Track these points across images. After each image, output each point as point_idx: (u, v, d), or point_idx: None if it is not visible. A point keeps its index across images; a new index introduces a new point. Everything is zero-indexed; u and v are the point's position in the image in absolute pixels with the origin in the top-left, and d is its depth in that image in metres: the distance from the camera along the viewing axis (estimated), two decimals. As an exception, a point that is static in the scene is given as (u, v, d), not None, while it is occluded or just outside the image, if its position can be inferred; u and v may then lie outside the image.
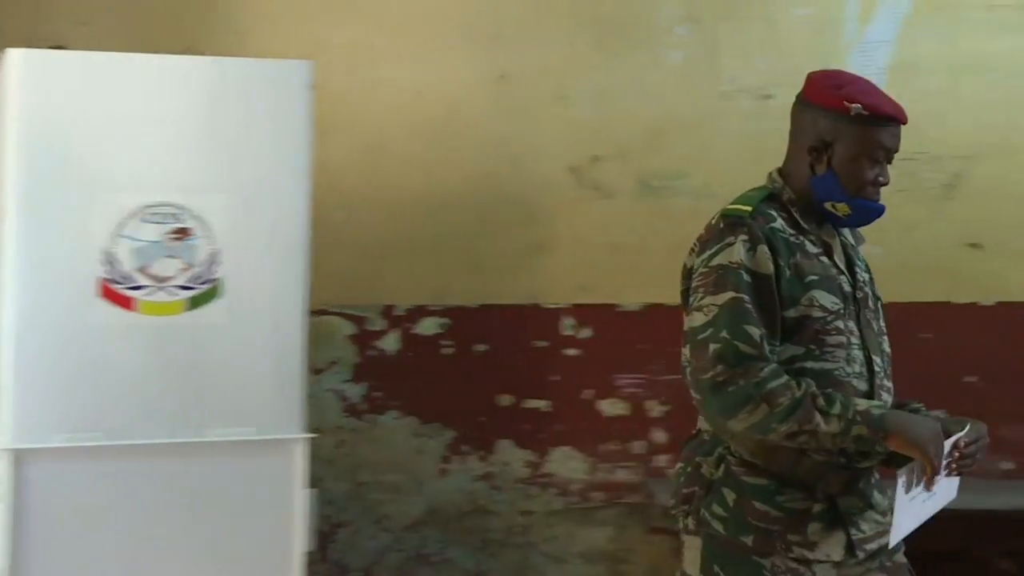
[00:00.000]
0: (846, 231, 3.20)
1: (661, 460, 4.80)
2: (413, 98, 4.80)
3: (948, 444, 2.94)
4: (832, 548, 3.02)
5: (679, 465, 3.15)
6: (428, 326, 4.83)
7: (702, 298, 3.04)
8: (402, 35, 4.79)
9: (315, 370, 4.55)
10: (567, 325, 4.82)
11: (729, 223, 3.08)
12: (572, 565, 4.83)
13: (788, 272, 3.04)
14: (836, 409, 2.96)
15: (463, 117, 4.81)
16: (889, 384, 3.12)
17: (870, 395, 3.07)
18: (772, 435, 2.96)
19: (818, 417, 2.95)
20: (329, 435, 4.69)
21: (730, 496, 3.07)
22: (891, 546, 3.02)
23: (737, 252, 3.04)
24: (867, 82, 3.17)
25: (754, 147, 4.80)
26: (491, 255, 4.83)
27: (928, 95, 4.76)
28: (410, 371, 4.81)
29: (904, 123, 3.11)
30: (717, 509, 3.07)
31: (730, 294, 3.01)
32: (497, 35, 4.81)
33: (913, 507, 2.96)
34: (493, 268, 4.84)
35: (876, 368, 3.10)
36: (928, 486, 2.94)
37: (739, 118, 4.82)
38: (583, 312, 4.84)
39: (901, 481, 2.90)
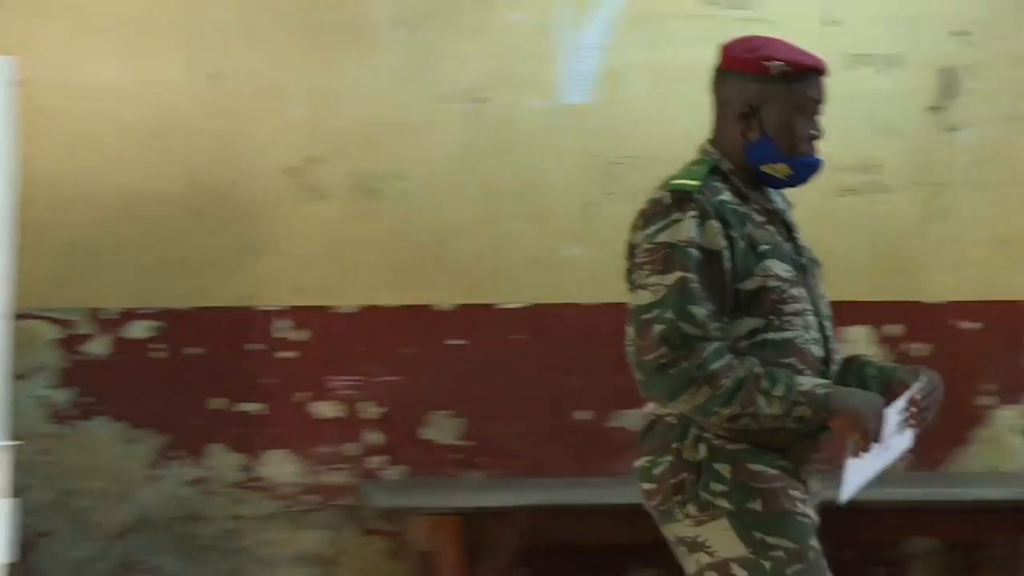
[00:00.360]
0: (777, 199, 3.16)
1: (375, 462, 4.80)
2: (121, 96, 4.70)
3: (903, 400, 3.02)
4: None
5: (645, 459, 3.06)
6: (138, 329, 4.74)
7: (647, 276, 2.99)
8: (110, 32, 4.69)
9: (17, 376, 4.41)
10: (282, 327, 4.78)
11: (677, 198, 3.01)
12: (285, 569, 4.79)
13: (742, 244, 3.01)
14: (779, 391, 2.95)
15: (174, 116, 4.73)
16: (836, 345, 3.14)
17: (826, 360, 3.08)
18: (714, 417, 2.97)
19: (761, 399, 2.95)
20: (33, 442, 4.55)
21: (725, 469, 3.02)
22: (842, 503, 3.05)
23: (686, 229, 2.98)
24: (781, 40, 3.13)
25: (470, 149, 4.85)
26: (204, 257, 4.76)
27: (635, 101, 4.86)
28: (119, 376, 4.71)
29: (825, 73, 3.09)
30: (716, 486, 3.02)
31: (677, 274, 2.97)
32: (209, 34, 4.74)
33: (863, 465, 3.01)
34: (207, 270, 4.77)
35: (828, 332, 3.10)
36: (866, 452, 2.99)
37: (454, 121, 4.85)
38: (299, 314, 4.80)
39: (853, 448, 2.97)
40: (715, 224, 2.98)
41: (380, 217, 4.82)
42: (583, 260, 4.85)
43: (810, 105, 3.09)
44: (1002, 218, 4.86)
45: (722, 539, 3.00)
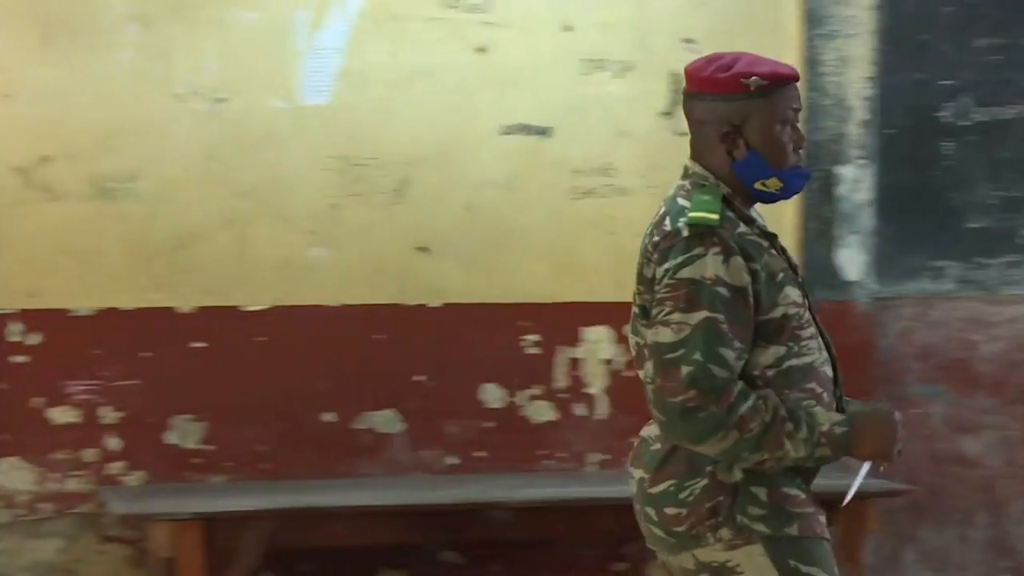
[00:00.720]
0: (756, 215, 3.09)
1: (114, 468, 4.70)
2: None
3: None
4: None
5: (668, 484, 2.98)
6: None
7: (669, 313, 2.90)
8: None
9: None
10: (14, 331, 4.64)
11: (697, 233, 2.93)
12: (19, 581, 4.66)
13: (763, 275, 2.95)
14: (803, 433, 2.91)
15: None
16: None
17: (835, 380, 3.06)
18: (740, 460, 2.91)
19: (787, 443, 2.90)
20: None
21: (761, 492, 2.96)
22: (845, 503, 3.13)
23: (712, 266, 2.90)
24: (748, 54, 3.08)
25: (209, 150, 4.78)
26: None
27: (376, 102, 4.86)
28: None
29: (799, 80, 3.06)
30: (754, 510, 2.95)
31: (703, 313, 2.89)
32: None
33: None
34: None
35: (833, 351, 3.08)
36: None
37: (192, 121, 4.77)
38: (32, 317, 4.67)
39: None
40: (739, 260, 2.92)
41: (117, 218, 4.70)
42: (326, 261, 4.83)
43: (790, 115, 3.05)
44: (732, 220, 5.01)
45: (755, 564, 2.95)
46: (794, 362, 2.99)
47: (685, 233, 2.92)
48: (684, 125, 4.86)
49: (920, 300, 5.00)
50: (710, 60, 3.05)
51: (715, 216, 2.93)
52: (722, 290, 2.89)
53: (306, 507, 4.43)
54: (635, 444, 3.12)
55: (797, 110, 3.05)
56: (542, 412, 4.94)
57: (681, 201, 2.99)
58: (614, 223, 4.95)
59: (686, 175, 3.06)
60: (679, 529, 2.97)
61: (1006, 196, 4.99)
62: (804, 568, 2.95)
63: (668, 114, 4.98)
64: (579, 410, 4.95)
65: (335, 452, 4.81)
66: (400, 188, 4.87)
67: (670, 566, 3.08)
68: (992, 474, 4.97)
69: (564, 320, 4.94)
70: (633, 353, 3.11)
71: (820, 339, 3.04)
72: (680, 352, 2.88)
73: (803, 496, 2.99)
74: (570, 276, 4.95)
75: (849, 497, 3.08)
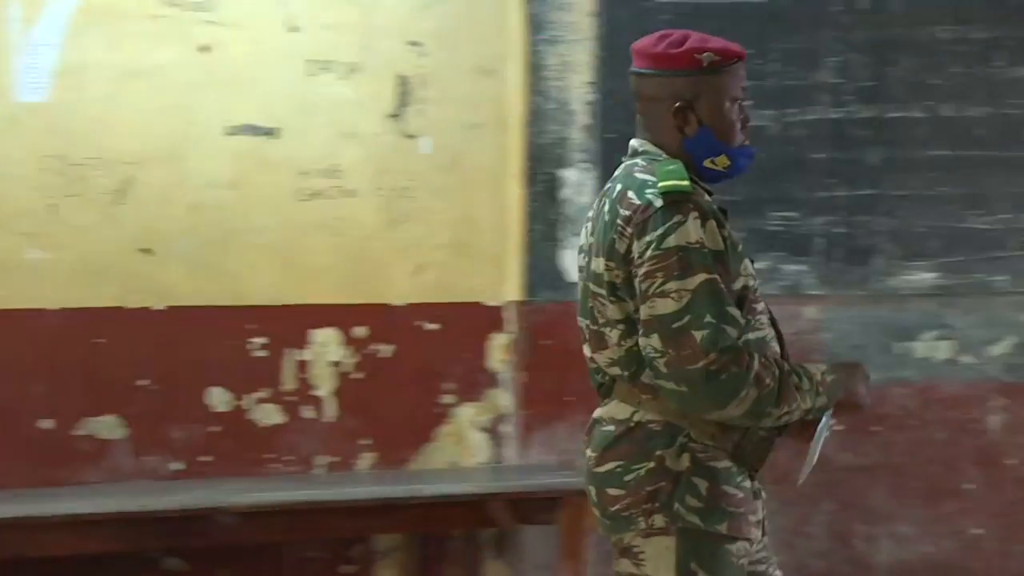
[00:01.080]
0: None
1: None
2: None
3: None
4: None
5: (614, 464, 2.95)
6: None
7: (664, 283, 2.84)
8: None
9: None
10: None
11: (672, 200, 2.88)
12: None
13: (730, 242, 2.92)
14: (806, 384, 2.92)
15: None
16: None
17: (783, 356, 3.03)
18: (766, 419, 2.88)
19: (798, 396, 2.90)
20: None
21: (702, 484, 2.93)
22: (800, 483, 3.05)
23: (694, 231, 2.85)
24: (696, 32, 3.06)
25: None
26: None
27: (96, 100, 4.75)
28: None
29: (745, 59, 3.05)
30: (691, 501, 2.92)
31: (701, 276, 2.84)
32: None
33: (817, 446, 2.99)
34: None
35: (778, 327, 3.07)
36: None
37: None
38: None
39: (825, 425, 2.96)
40: (714, 224, 2.89)
41: None
42: (45, 264, 4.69)
43: (739, 93, 3.05)
44: (459, 223, 5.05)
45: (658, 558, 2.94)
46: (751, 335, 2.97)
47: (659, 203, 2.89)
48: (412, 127, 4.94)
49: (641, 300, 5.11)
50: (661, 37, 3.04)
51: (686, 182, 2.90)
52: (708, 251, 2.86)
53: (22, 516, 4.29)
54: (588, 425, 3.09)
55: (745, 89, 3.06)
56: (269, 415, 4.90)
57: (642, 175, 2.96)
58: (341, 225, 4.94)
59: (636, 153, 3.06)
60: (613, 509, 2.97)
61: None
62: (701, 573, 2.92)
63: (395, 116, 4.98)
64: (307, 413, 4.92)
65: (53, 459, 4.68)
66: (122, 188, 4.76)
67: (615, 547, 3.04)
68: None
69: (291, 322, 4.90)
70: (585, 336, 3.06)
71: (769, 314, 3.06)
72: (687, 318, 2.82)
73: (740, 496, 2.97)
74: (297, 278, 4.91)
75: (806, 473, 3.06)
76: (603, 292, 2.97)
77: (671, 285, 2.84)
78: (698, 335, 2.81)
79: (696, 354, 2.81)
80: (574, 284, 5.12)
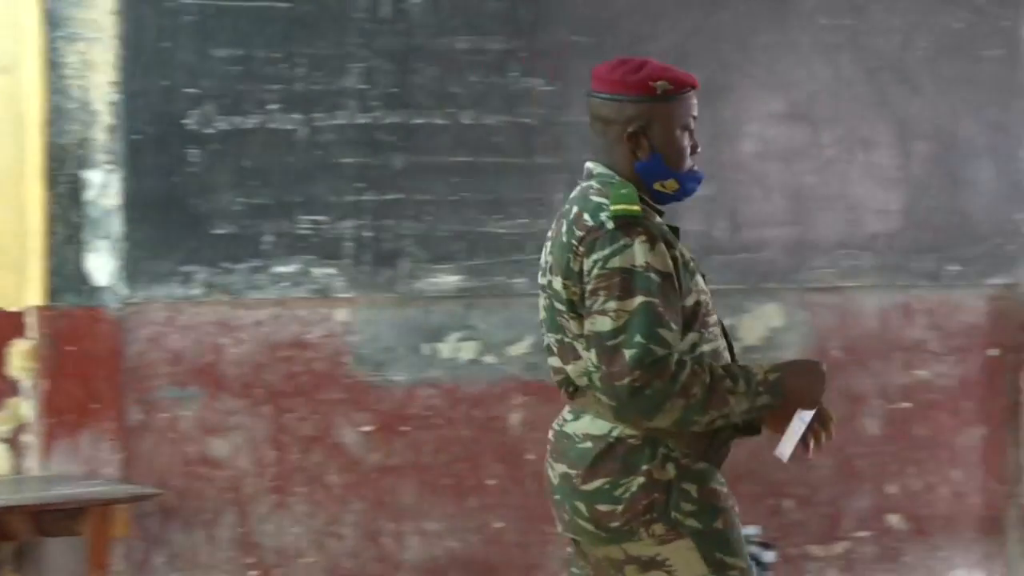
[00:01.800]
0: None
1: None
2: None
3: None
4: None
5: (603, 482, 3.08)
6: None
7: (605, 302, 2.99)
8: None
9: None
10: None
11: (621, 223, 3.03)
12: None
13: (680, 262, 3.06)
14: (741, 387, 3.03)
15: None
16: None
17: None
18: (694, 427, 3.01)
19: (731, 400, 3.02)
20: None
21: (692, 488, 3.09)
22: (785, 460, 3.17)
23: (640, 254, 3.01)
24: (653, 60, 3.20)
25: None
26: None
27: None
28: None
29: (697, 87, 3.19)
30: (686, 506, 3.08)
31: (640, 299, 2.99)
32: None
33: (798, 427, 3.12)
34: None
35: (729, 338, 3.23)
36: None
37: None
38: None
39: (801, 419, 3.10)
40: (663, 247, 3.03)
41: None
42: None
43: (689, 121, 3.19)
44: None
45: (684, 559, 3.08)
46: (705, 347, 3.13)
47: (610, 225, 3.04)
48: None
49: (170, 305, 5.03)
50: (620, 63, 3.19)
51: (636, 207, 3.05)
52: (653, 276, 3.00)
53: None
54: (553, 438, 3.21)
55: (695, 118, 3.21)
56: None
57: (596, 198, 3.10)
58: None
59: (590, 176, 3.19)
60: (613, 524, 3.09)
61: (249, 203, 5.11)
62: (729, 560, 3.11)
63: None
64: None
65: None
66: None
67: (592, 557, 3.19)
68: (239, 474, 5.09)
69: None
70: (555, 350, 3.18)
71: (721, 326, 3.22)
72: (621, 338, 2.97)
73: (725, 491, 3.15)
74: None
75: (789, 452, 3.16)
76: (564, 309, 3.11)
77: (611, 304, 2.99)
78: (627, 353, 2.96)
79: (623, 371, 2.96)
80: (101, 288, 5.07)
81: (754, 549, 5.05)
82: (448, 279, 5.25)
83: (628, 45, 5.27)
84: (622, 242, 3.03)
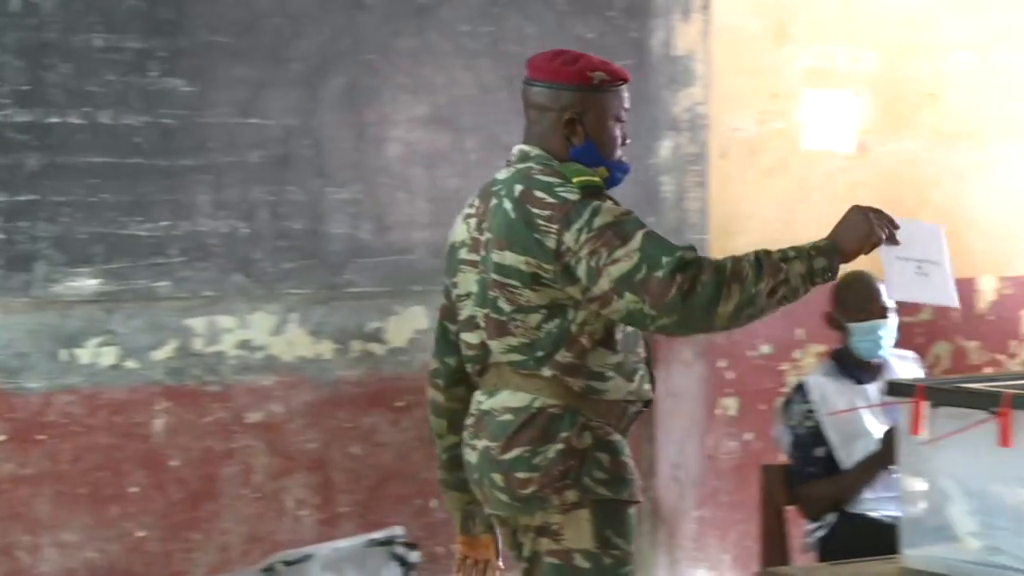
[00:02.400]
0: None
1: None
2: None
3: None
4: None
5: (523, 450, 3.24)
6: None
7: (611, 253, 3.11)
8: None
9: None
10: None
11: (589, 192, 3.21)
12: None
13: None
14: (791, 253, 3.15)
15: None
16: None
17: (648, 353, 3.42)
18: (759, 299, 3.10)
19: (785, 267, 3.12)
20: None
21: (604, 458, 3.27)
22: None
23: (609, 210, 3.18)
24: (588, 54, 3.39)
25: None
26: None
27: None
28: None
29: (629, 82, 3.39)
30: (598, 474, 3.26)
31: (639, 233, 3.14)
32: None
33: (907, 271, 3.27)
34: None
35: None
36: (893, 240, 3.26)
37: None
38: None
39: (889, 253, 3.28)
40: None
41: None
42: None
43: (622, 113, 3.37)
44: None
45: (576, 529, 3.24)
46: (630, 328, 3.31)
47: (576, 196, 3.20)
48: None
49: None
50: (557, 53, 3.40)
51: (597, 178, 3.26)
52: (636, 217, 3.20)
53: None
54: (473, 419, 3.37)
55: (627, 110, 3.40)
56: None
57: (544, 177, 3.26)
58: None
59: (527, 157, 3.35)
60: (526, 492, 3.25)
61: None
62: (615, 539, 3.27)
63: None
64: None
65: None
66: None
67: (511, 528, 3.37)
68: None
69: None
70: (481, 324, 3.33)
71: None
72: (644, 268, 3.10)
73: (632, 463, 3.35)
74: None
75: (891, 289, 3.36)
76: (516, 283, 3.23)
77: (618, 252, 3.12)
78: (659, 273, 3.09)
79: (665, 288, 3.07)
80: None
81: (400, 549, 5.10)
82: (87, 283, 5.10)
83: (271, 46, 5.27)
84: (594, 204, 3.19)
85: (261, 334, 5.29)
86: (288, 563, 4.99)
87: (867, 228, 3.25)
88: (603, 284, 3.14)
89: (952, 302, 3.40)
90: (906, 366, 5.09)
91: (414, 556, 5.12)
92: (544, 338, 3.26)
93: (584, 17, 5.72)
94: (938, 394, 3.46)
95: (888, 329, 4.99)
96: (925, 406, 3.43)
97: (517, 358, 3.29)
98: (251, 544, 5.27)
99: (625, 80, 3.40)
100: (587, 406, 3.28)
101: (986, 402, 3.33)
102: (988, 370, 6.29)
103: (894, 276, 3.33)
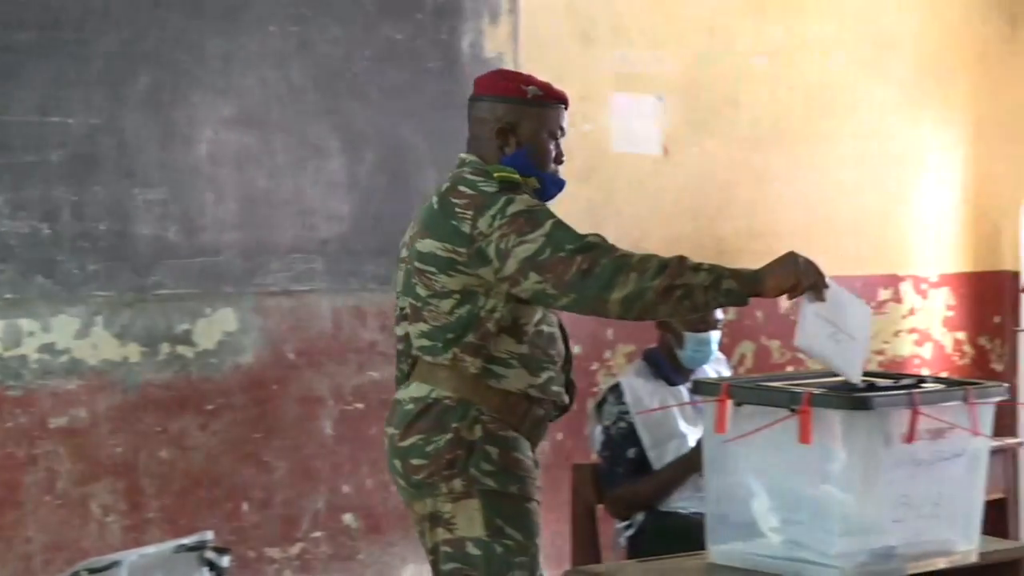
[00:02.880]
0: None
1: None
2: None
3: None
4: None
5: (417, 438, 3.45)
6: None
7: (520, 237, 3.34)
8: None
9: None
10: None
11: (507, 186, 3.45)
12: None
13: None
14: (707, 265, 3.29)
15: None
16: None
17: (567, 356, 3.64)
18: (650, 294, 3.25)
19: (689, 274, 3.26)
20: None
21: (494, 451, 3.42)
22: (798, 344, 3.40)
23: (524, 201, 3.41)
24: (528, 74, 3.72)
25: None
26: None
27: None
28: None
29: (568, 106, 3.64)
30: (485, 466, 3.41)
31: (550, 221, 3.37)
32: None
33: (820, 318, 3.34)
34: None
35: (564, 330, 3.70)
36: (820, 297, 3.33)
37: None
38: None
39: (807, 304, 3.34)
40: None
41: None
42: None
43: (556, 130, 3.60)
44: None
45: (468, 518, 3.40)
46: (544, 328, 3.54)
47: (495, 188, 3.44)
48: None
49: None
50: (499, 72, 3.86)
51: (517, 176, 3.49)
52: (548, 209, 3.43)
53: None
54: (390, 409, 3.59)
55: (563, 130, 3.63)
56: None
57: (472, 176, 3.50)
58: None
59: (463, 164, 3.58)
60: (418, 478, 3.45)
61: None
62: (507, 529, 3.41)
63: None
64: None
65: None
66: None
67: (413, 515, 3.56)
68: None
69: None
70: (407, 314, 3.56)
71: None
72: (548, 250, 3.32)
73: (530, 463, 3.50)
74: None
75: (800, 337, 3.37)
76: (432, 268, 3.46)
77: (527, 236, 3.34)
78: (563, 252, 3.31)
79: (566, 265, 3.29)
80: None
81: (210, 554, 5.04)
82: None
83: (74, 43, 5.16)
84: (510, 195, 3.42)
85: (65, 337, 5.19)
86: (94, 571, 4.88)
87: (793, 274, 3.33)
88: (511, 265, 3.36)
89: (854, 378, 3.47)
90: (715, 366, 5.18)
91: (225, 561, 5.06)
92: (454, 322, 3.45)
93: (393, 19, 5.73)
94: (741, 393, 3.52)
95: (716, 340, 5.08)
96: (729, 405, 3.49)
97: (427, 343, 3.49)
98: (54, 552, 5.16)
99: (562, 100, 3.65)
100: (482, 397, 3.46)
101: (787, 400, 3.41)
102: (790, 368, 6.44)
103: (807, 327, 3.39)
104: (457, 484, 3.42)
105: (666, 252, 3.25)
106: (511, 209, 3.39)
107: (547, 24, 6.11)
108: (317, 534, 5.58)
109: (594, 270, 3.28)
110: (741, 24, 6.54)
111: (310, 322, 5.58)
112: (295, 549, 5.53)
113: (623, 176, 6.31)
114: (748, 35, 6.56)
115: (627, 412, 5.00)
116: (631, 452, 4.99)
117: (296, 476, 5.53)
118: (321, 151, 5.61)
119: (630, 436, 4.99)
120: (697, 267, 3.31)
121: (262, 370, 5.46)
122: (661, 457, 4.97)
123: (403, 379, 3.63)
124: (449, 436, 3.43)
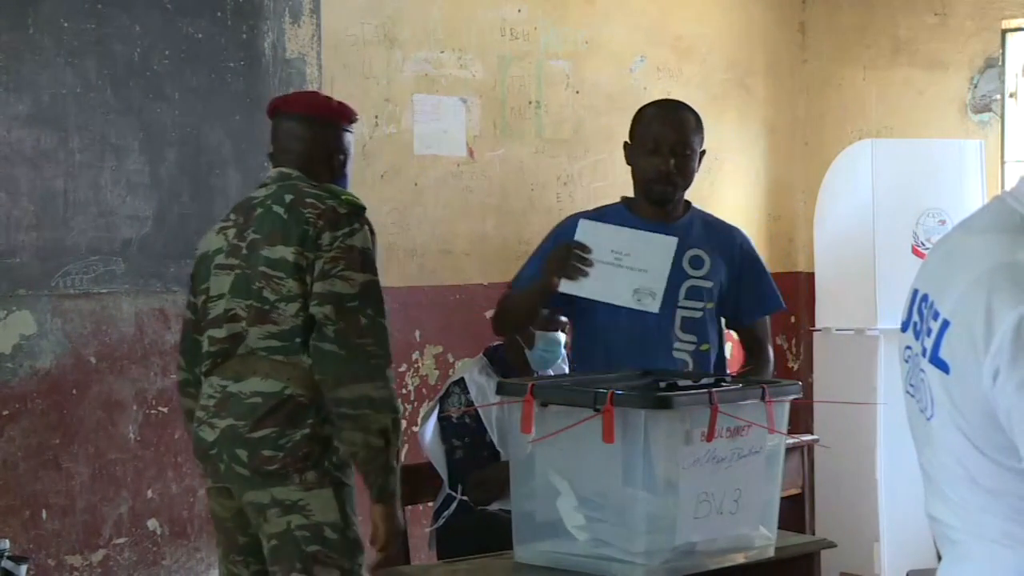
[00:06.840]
0: None
1: None
2: None
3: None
4: None
5: (271, 430, 3.69)
6: None
7: (345, 270, 3.66)
8: None
9: None
10: None
11: (353, 211, 3.75)
12: None
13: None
14: (396, 469, 3.75)
15: None
16: None
17: None
18: (381, 437, 3.68)
19: (395, 443, 3.70)
20: None
21: (341, 448, 3.73)
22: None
23: (366, 238, 3.71)
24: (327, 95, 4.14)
25: None
26: None
27: None
28: None
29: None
30: (335, 459, 3.73)
31: (371, 276, 3.69)
32: None
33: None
34: None
35: None
36: None
37: None
38: None
39: None
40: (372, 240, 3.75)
41: None
42: None
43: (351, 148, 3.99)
44: None
45: (323, 504, 3.71)
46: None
47: (344, 210, 3.72)
48: None
49: None
50: (314, 94, 4.27)
51: (361, 202, 3.79)
52: (374, 258, 3.71)
53: None
54: (214, 401, 3.77)
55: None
56: None
57: (314, 190, 3.79)
58: None
59: (289, 178, 3.83)
60: (270, 468, 3.67)
61: None
62: (352, 517, 3.78)
63: None
64: None
65: None
66: None
67: (241, 502, 3.76)
68: None
69: None
70: (241, 315, 3.75)
71: None
72: (357, 302, 3.65)
73: None
74: None
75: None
76: (282, 273, 3.69)
77: (348, 273, 3.65)
78: (363, 320, 3.65)
79: (358, 332, 3.63)
80: None
81: (7, 563, 4.92)
82: None
83: None
84: (355, 225, 3.70)
85: None
86: None
87: (398, 522, 3.81)
88: (322, 286, 3.66)
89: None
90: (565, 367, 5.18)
91: (22, 570, 4.96)
92: (301, 325, 3.69)
93: (192, 17, 5.65)
94: (546, 392, 3.57)
95: (563, 343, 5.10)
96: (535, 404, 3.52)
97: (276, 344, 3.72)
98: None
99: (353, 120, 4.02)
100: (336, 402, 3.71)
101: (591, 400, 3.45)
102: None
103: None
104: (311, 476, 3.70)
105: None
106: (351, 241, 3.70)
107: (350, 25, 6.10)
108: (120, 540, 5.49)
109: (371, 359, 3.68)
110: (539, 28, 6.61)
111: (111, 325, 5.48)
112: (97, 556, 5.43)
113: (429, 177, 6.33)
114: (550, 39, 6.63)
115: (473, 404, 4.98)
116: (488, 437, 4.97)
117: (98, 482, 5.43)
118: (120, 151, 5.51)
119: (480, 425, 4.98)
120: (391, 462, 3.74)
121: (61, 374, 5.35)
122: (508, 451, 4.97)
123: (203, 376, 3.85)
124: (306, 432, 3.69)
